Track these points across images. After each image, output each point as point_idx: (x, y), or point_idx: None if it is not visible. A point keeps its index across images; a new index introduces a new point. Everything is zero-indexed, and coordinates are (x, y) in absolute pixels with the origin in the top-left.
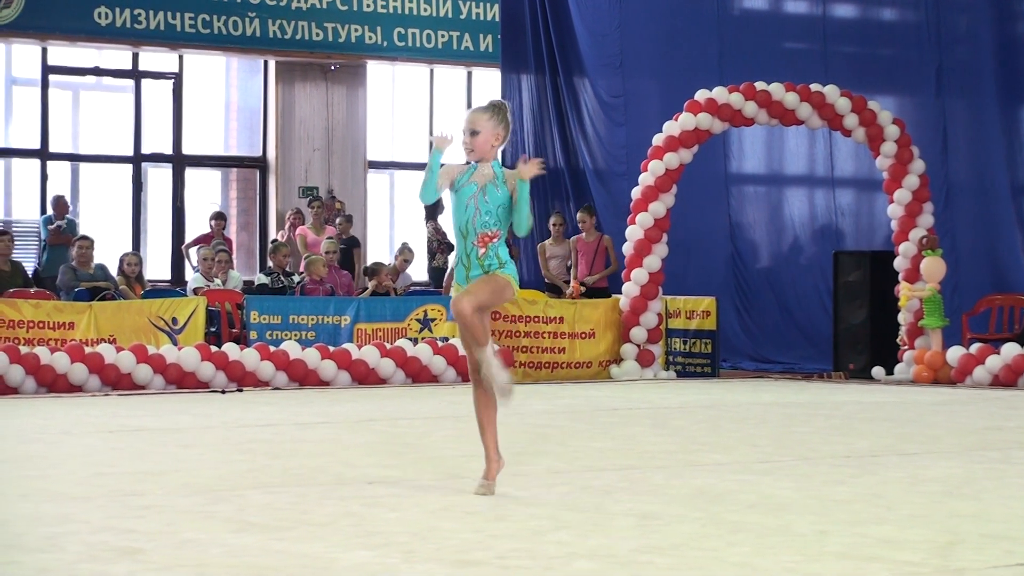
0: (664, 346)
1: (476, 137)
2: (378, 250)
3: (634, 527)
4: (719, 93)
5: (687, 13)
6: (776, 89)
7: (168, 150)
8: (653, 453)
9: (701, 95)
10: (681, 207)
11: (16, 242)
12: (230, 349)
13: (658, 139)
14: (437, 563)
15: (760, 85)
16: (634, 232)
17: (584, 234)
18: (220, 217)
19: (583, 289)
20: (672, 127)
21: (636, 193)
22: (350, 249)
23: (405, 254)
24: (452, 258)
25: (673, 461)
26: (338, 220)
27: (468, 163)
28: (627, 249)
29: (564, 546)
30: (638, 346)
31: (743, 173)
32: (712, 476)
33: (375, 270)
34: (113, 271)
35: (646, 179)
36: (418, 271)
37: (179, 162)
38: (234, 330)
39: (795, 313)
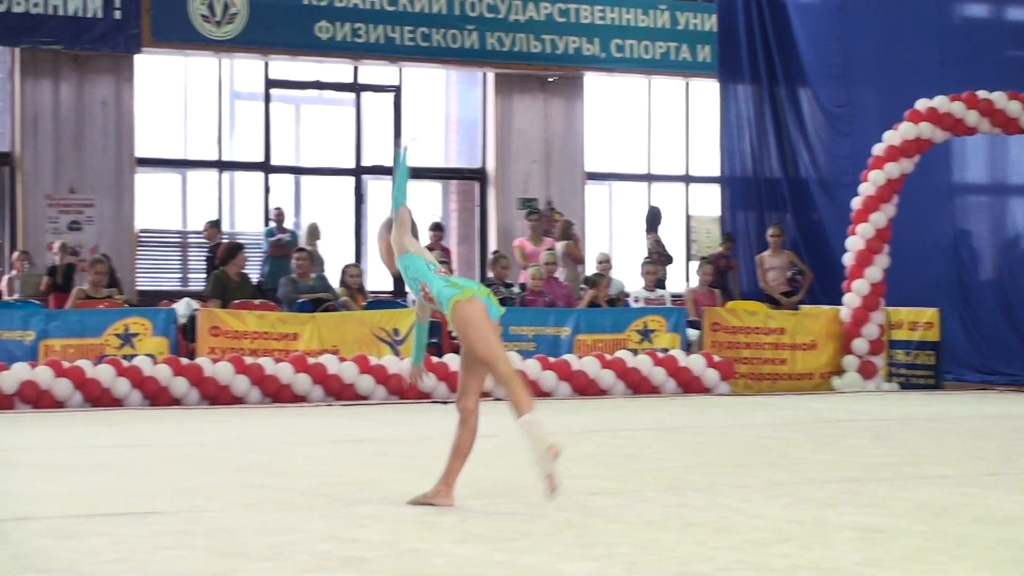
0: (886, 357)
1: None
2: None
3: (857, 540)
4: (940, 102)
5: (908, 22)
6: (999, 98)
7: (388, 162)
8: (876, 465)
9: (922, 104)
10: (903, 217)
11: None
12: (451, 360)
13: (878, 149)
14: (659, 574)
15: (982, 94)
16: (855, 243)
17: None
18: (437, 228)
19: None
20: (893, 137)
21: (857, 203)
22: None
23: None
24: (669, 270)
25: (896, 474)
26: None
27: None
28: (848, 260)
29: (786, 558)
30: (860, 357)
31: (966, 183)
32: (936, 489)
33: (595, 281)
34: (335, 282)
35: (867, 189)
36: (633, 280)
37: None
38: (455, 340)
39: (1021, 324)
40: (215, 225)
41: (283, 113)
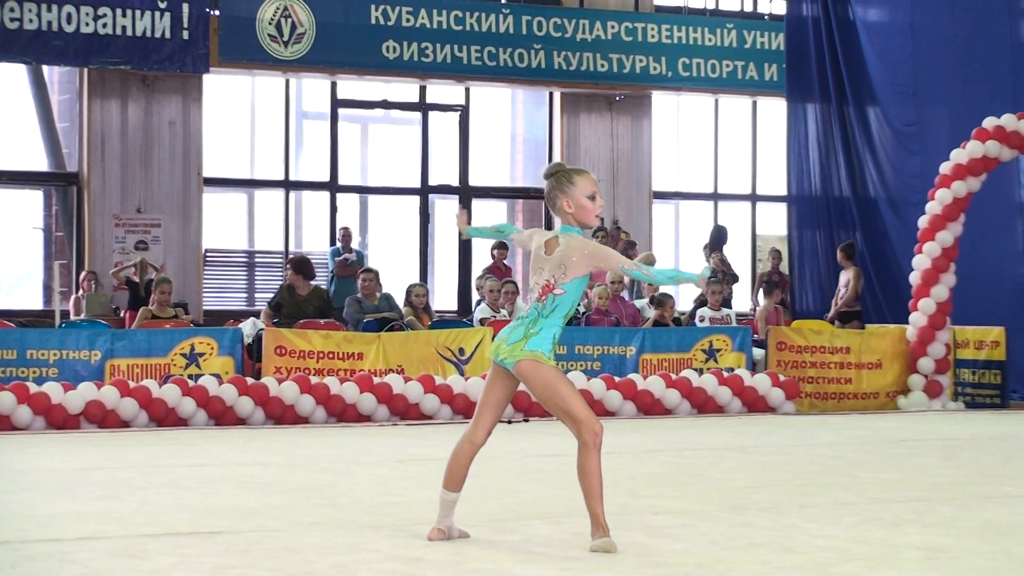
0: (952, 377)
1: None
2: None
3: (923, 560)
4: (1007, 120)
5: (978, 40)
6: None
7: (455, 182)
8: (942, 485)
9: (989, 123)
10: (970, 236)
11: None
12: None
13: (945, 167)
14: None
15: None
16: (921, 261)
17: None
18: (502, 246)
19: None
20: (960, 155)
21: (923, 222)
22: None
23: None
24: (735, 289)
25: (963, 493)
26: None
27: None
28: (914, 279)
29: None
30: (925, 377)
31: None
32: (1003, 509)
33: (661, 301)
34: (400, 302)
35: (933, 208)
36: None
37: (466, 193)
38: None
39: None
40: None
41: (350, 132)
